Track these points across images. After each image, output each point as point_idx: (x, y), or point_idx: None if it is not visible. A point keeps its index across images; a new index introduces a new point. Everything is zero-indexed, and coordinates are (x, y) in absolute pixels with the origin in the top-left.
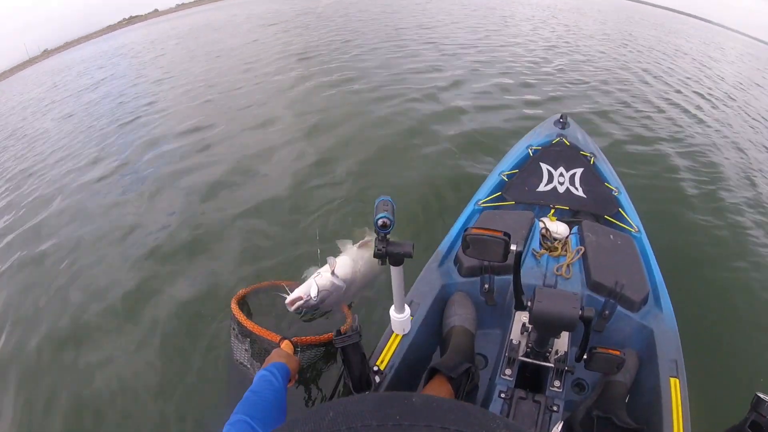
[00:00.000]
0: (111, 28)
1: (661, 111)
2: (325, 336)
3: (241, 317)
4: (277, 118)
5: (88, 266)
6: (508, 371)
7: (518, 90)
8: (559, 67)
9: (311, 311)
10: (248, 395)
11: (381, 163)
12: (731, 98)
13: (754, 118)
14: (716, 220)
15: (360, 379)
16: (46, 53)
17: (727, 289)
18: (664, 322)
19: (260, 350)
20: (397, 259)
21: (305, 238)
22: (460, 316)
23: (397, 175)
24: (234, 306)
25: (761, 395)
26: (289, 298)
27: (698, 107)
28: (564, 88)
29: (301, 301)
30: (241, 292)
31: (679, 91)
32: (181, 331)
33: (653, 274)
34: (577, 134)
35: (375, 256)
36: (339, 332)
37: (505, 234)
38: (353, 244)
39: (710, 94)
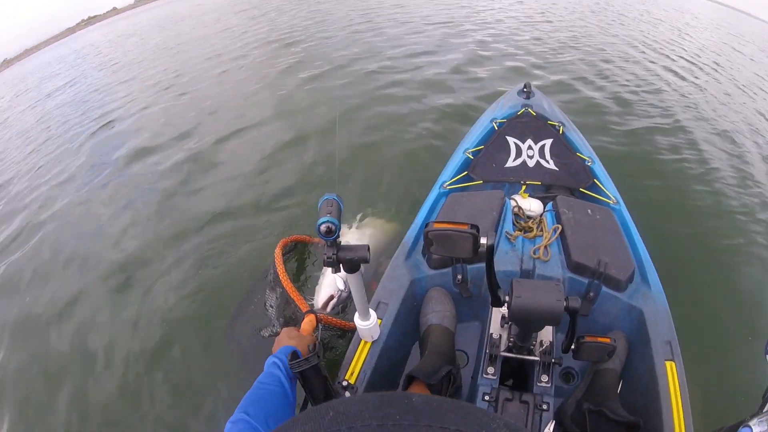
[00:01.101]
0: (70, 31)
1: (638, 78)
2: (350, 324)
3: (281, 269)
4: (255, 115)
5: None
6: (490, 369)
7: (490, 61)
8: (536, 36)
9: (345, 303)
10: (255, 387)
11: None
12: (703, 63)
13: (731, 84)
14: (698, 185)
15: (327, 401)
16: (6, 62)
17: (716, 258)
18: (653, 301)
19: (284, 306)
20: (352, 266)
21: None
22: (438, 313)
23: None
24: (278, 251)
25: None
26: (320, 301)
27: (670, 71)
28: (542, 58)
29: (334, 299)
30: (287, 239)
31: (643, 53)
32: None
33: (637, 248)
34: (543, 103)
35: (325, 264)
36: (295, 356)
37: (472, 226)
38: (349, 228)
39: (683, 59)
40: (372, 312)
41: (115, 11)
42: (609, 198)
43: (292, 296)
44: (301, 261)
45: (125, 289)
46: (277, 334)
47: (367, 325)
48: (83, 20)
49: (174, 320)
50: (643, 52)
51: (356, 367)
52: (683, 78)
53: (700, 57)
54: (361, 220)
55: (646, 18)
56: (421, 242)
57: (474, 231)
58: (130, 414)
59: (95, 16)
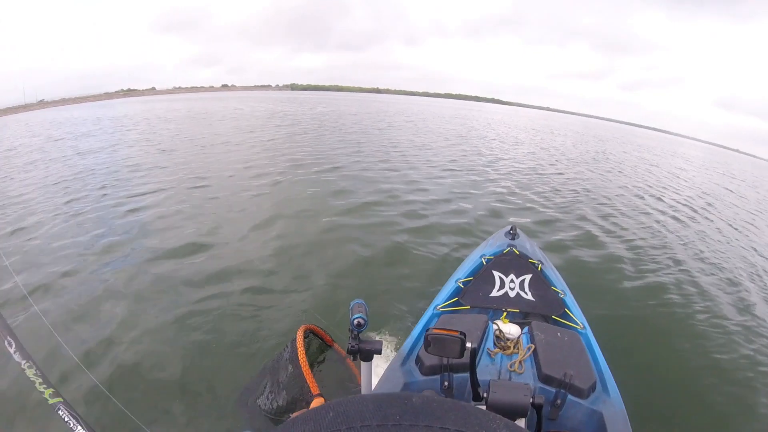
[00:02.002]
0: (108, 96)
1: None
2: None
3: (300, 347)
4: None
5: None
6: None
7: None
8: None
9: None
10: None
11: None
12: (695, 205)
13: (716, 223)
14: (655, 310)
15: None
16: (42, 103)
17: (666, 366)
18: (612, 405)
19: (292, 384)
20: (367, 356)
21: None
22: None
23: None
24: (300, 334)
25: None
26: None
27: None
28: (554, 207)
29: None
30: (309, 326)
31: (642, 198)
32: None
33: (599, 363)
34: (525, 244)
35: (348, 352)
36: None
37: (461, 333)
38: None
39: (672, 202)
40: None
41: (153, 91)
42: (577, 324)
43: (306, 376)
44: (314, 349)
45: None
46: (275, 411)
47: None
48: (122, 90)
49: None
50: (642, 198)
51: None
52: (679, 220)
53: (692, 199)
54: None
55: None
56: (415, 352)
57: (462, 337)
58: None
59: (134, 90)
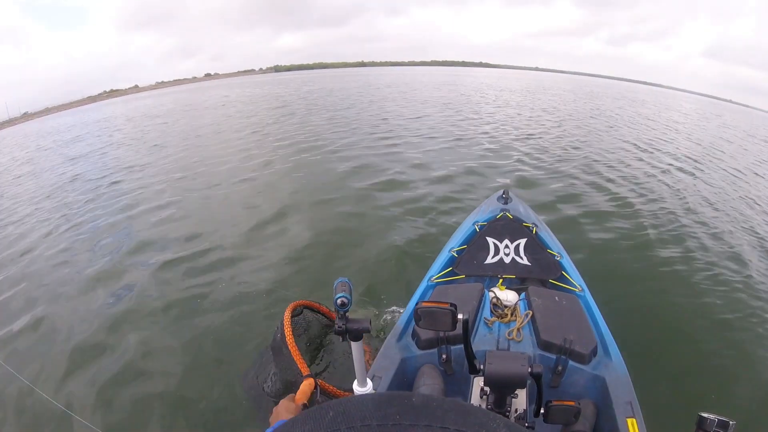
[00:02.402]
0: (92, 99)
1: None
2: (345, 393)
3: (287, 327)
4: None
5: None
6: None
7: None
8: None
9: None
10: None
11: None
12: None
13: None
14: (652, 269)
15: None
16: (27, 116)
17: (668, 325)
18: (614, 369)
19: (284, 368)
20: (356, 335)
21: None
22: (429, 386)
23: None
24: (287, 315)
25: (703, 414)
26: None
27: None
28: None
29: None
30: (300, 302)
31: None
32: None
33: (599, 327)
34: (519, 207)
35: (335, 333)
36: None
37: (452, 305)
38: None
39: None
40: (369, 381)
41: (136, 89)
42: (575, 287)
43: (295, 358)
44: (319, 325)
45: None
46: (274, 394)
47: (364, 391)
48: (105, 92)
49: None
50: (639, 153)
51: None
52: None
53: (690, 152)
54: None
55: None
56: (411, 326)
57: (452, 308)
58: None
59: (117, 90)
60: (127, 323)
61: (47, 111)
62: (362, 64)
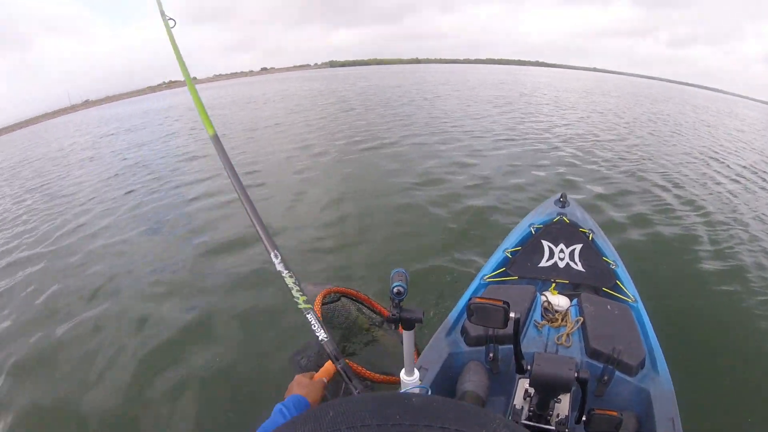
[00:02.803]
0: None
1: (661, 189)
2: (381, 377)
3: (317, 310)
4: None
5: None
6: None
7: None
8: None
9: None
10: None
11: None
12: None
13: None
14: (716, 289)
15: None
16: (88, 103)
17: (719, 346)
18: (660, 384)
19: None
20: (408, 324)
21: None
22: (474, 382)
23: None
24: (318, 298)
25: None
26: None
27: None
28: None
29: None
30: (333, 289)
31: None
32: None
33: (649, 339)
34: (576, 212)
35: (388, 321)
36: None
37: (505, 303)
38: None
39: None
40: (416, 371)
41: (194, 80)
42: (628, 297)
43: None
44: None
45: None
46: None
47: (412, 381)
48: (164, 82)
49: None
50: (706, 162)
51: None
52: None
53: (758, 165)
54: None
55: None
56: (461, 322)
57: (505, 306)
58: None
59: (176, 81)
60: (186, 298)
61: (108, 99)
62: (417, 61)
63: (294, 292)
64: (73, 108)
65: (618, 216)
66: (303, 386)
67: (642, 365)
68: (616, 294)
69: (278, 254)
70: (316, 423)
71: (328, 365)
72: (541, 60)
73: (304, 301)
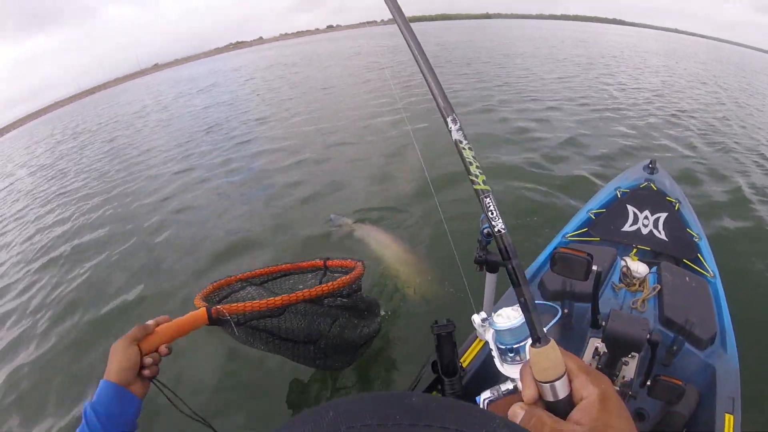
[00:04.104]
0: (219, 51)
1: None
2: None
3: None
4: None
5: None
6: None
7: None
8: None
9: None
10: None
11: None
12: None
13: None
14: None
15: (448, 366)
16: (157, 66)
17: None
18: (726, 362)
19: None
20: (493, 267)
21: None
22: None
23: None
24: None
25: None
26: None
27: None
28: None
29: None
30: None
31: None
32: None
33: (723, 316)
34: (664, 180)
35: (474, 262)
36: (436, 321)
37: (589, 255)
38: None
39: None
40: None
41: (260, 40)
42: (708, 271)
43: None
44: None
45: None
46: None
47: (483, 316)
48: (231, 43)
49: None
50: None
51: (469, 356)
52: None
53: None
54: None
55: None
56: (540, 275)
57: (589, 258)
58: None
59: (242, 42)
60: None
61: (177, 62)
62: (487, 16)
63: (473, 168)
64: (142, 72)
65: (709, 190)
66: (114, 360)
67: (712, 341)
68: (696, 267)
69: (456, 119)
70: (315, 423)
71: (196, 314)
72: (618, 18)
73: (482, 181)
